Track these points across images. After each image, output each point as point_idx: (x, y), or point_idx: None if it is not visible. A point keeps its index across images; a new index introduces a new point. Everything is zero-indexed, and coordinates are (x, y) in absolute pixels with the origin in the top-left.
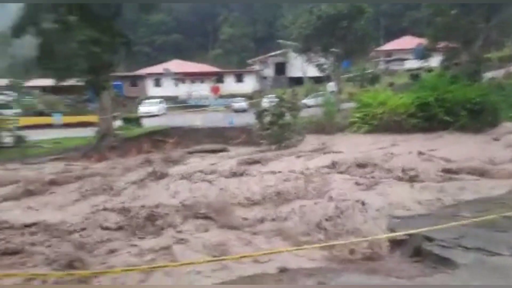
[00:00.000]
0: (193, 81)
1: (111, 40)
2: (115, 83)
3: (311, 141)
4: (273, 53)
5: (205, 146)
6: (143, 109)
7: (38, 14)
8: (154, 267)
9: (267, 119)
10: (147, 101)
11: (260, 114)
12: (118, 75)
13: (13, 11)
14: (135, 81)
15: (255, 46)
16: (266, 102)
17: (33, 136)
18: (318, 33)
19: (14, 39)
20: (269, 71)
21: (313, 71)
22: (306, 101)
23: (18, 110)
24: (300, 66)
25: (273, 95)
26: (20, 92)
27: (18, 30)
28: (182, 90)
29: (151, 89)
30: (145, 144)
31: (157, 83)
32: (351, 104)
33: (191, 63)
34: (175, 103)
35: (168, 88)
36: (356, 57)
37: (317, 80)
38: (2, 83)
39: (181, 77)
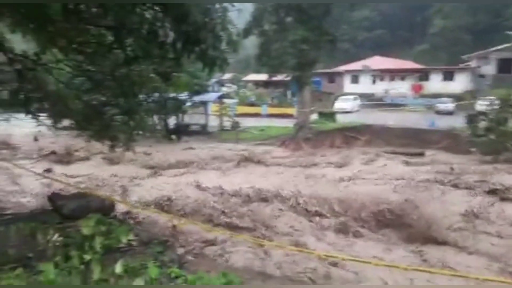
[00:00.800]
0: (392, 78)
1: (318, 39)
2: (314, 79)
3: None
4: (497, 47)
5: (399, 148)
6: (337, 105)
7: (263, 17)
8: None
9: (483, 124)
10: (342, 97)
11: (473, 118)
12: (318, 72)
13: (246, 16)
14: (333, 77)
15: (472, 40)
16: (482, 104)
17: (245, 123)
18: None
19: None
20: (489, 69)
21: None
22: None
23: (236, 100)
24: None
25: (493, 97)
26: (238, 85)
27: (247, 31)
28: (380, 87)
29: (348, 86)
30: (337, 139)
31: (355, 80)
32: None
33: (392, 60)
34: (370, 101)
35: (365, 85)
36: None
37: None
38: (226, 77)
39: (380, 74)
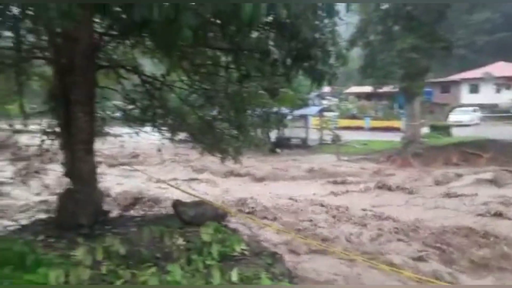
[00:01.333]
0: None
1: (430, 46)
2: (425, 89)
3: None
4: None
5: None
6: (453, 117)
7: (368, 28)
8: None
9: None
10: (458, 109)
11: None
12: (429, 81)
13: (350, 28)
14: (447, 87)
15: None
16: None
17: (346, 136)
18: None
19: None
20: None
21: None
22: None
23: (337, 113)
24: None
25: None
26: (339, 97)
27: (351, 43)
28: (506, 97)
29: (465, 96)
30: (453, 155)
31: (474, 89)
32: None
33: None
34: (493, 112)
35: (487, 95)
36: None
37: None
38: (327, 90)
39: (506, 82)
